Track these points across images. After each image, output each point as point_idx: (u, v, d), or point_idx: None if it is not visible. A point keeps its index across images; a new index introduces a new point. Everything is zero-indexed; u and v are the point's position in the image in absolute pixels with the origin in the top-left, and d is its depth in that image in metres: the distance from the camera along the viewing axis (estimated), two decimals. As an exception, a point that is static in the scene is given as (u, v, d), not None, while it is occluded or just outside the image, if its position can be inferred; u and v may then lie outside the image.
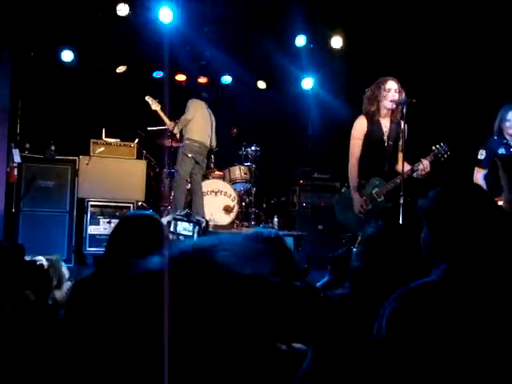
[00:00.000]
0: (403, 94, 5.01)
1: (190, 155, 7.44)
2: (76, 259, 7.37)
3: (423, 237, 1.93)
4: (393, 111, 5.08)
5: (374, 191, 5.08)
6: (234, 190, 8.20)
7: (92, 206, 7.51)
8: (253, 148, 8.71)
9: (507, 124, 5.16)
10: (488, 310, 1.70)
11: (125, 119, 8.38)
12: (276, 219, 8.50)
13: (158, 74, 9.09)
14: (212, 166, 8.48)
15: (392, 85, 5.01)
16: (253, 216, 8.43)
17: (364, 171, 5.09)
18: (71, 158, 7.52)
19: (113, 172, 7.68)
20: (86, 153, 7.65)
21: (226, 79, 9.58)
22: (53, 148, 7.41)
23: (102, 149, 7.74)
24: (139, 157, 7.99)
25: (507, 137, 5.18)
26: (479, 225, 1.80)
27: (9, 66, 6.45)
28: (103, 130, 7.93)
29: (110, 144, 7.84)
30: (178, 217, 6.61)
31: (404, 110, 4.90)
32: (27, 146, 7.45)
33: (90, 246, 7.40)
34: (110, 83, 8.80)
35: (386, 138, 5.09)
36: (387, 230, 2.41)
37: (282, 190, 9.13)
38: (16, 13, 6.48)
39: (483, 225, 1.81)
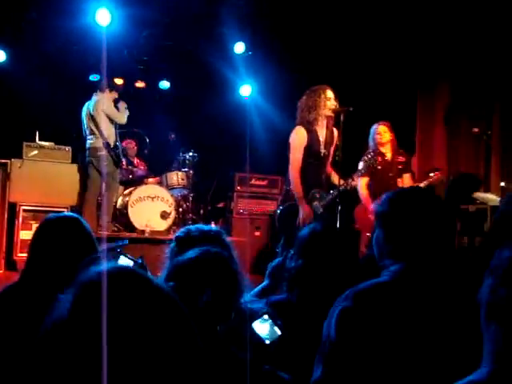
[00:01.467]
0: (337, 104, 5.09)
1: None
2: (6, 265, 7.14)
3: (375, 238, 1.98)
4: (327, 120, 5.12)
5: (314, 204, 5.09)
6: (171, 195, 8.15)
7: (24, 210, 7.30)
8: (190, 154, 8.68)
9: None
10: (439, 310, 1.76)
11: (59, 122, 8.19)
12: (213, 225, 8.49)
13: (93, 78, 8.94)
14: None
15: (331, 93, 5.06)
16: (190, 222, 8.38)
17: (304, 182, 5.08)
18: (3, 161, 7.27)
19: (46, 176, 7.48)
20: (19, 156, 7.43)
21: (165, 84, 9.53)
22: (-17, 150, 7.18)
23: (36, 152, 7.54)
24: (74, 161, 7.82)
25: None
26: (429, 225, 1.87)
27: None
28: (37, 132, 7.72)
29: (44, 147, 7.64)
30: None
31: (342, 119, 4.97)
32: (-44, 148, 7.20)
33: (21, 252, 7.17)
34: (44, 85, 8.59)
35: (322, 147, 5.13)
36: (320, 230, 2.46)
37: (220, 197, 9.14)
38: None
39: (433, 225, 1.87)
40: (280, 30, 8.06)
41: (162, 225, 7.95)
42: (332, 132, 5.17)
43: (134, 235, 7.51)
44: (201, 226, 2.61)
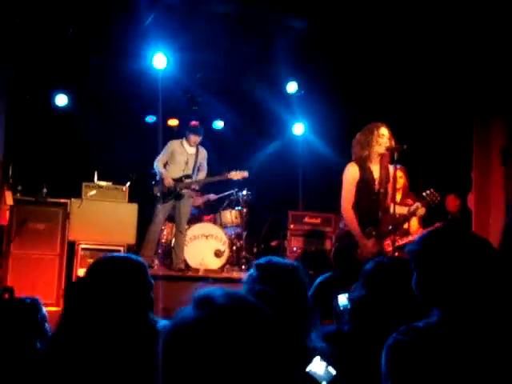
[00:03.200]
0: (393, 141, 5.06)
1: None
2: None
3: (413, 281, 1.94)
4: (382, 158, 5.09)
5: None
6: (225, 234, 8.21)
7: (82, 249, 7.48)
8: (244, 192, 8.76)
9: None
10: (485, 359, 1.71)
11: (117, 162, 8.43)
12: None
13: (149, 119, 9.20)
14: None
15: (385, 131, 5.05)
16: (243, 260, 8.42)
17: (358, 220, 5.01)
18: (63, 200, 7.53)
19: (104, 215, 7.67)
20: (78, 195, 7.66)
21: (218, 124, 9.70)
22: (45, 190, 7.42)
23: (94, 192, 7.76)
24: (131, 200, 7.99)
25: None
26: (469, 268, 1.79)
27: (3, 113, 6.51)
28: (95, 172, 7.96)
29: (102, 187, 7.85)
30: None
31: (396, 157, 4.95)
32: (19, 187, 7.47)
33: (79, 290, 7.32)
34: (103, 126, 8.88)
35: (377, 184, 5.10)
36: (387, 262, 2.45)
37: (273, 235, 9.15)
38: (13, 58, 6.57)
39: (473, 269, 1.79)
40: (332, 68, 8.12)
41: (215, 263, 8.00)
42: (387, 169, 5.13)
43: (189, 273, 7.57)
44: (282, 259, 2.63)
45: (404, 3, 6.34)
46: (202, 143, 7.85)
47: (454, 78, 7.17)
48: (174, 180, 7.53)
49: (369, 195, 5.06)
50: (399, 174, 5.81)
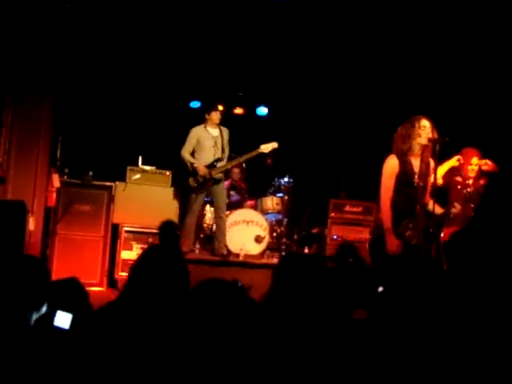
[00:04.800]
0: (435, 133, 4.99)
1: None
2: (108, 283, 7.50)
3: None
4: (423, 151, 5.03)
5: (407, 234, 5.00)
6: (266, 220, 8.26)
7: (126, 231, 7.66)
8: (285, 179, 8.77)
9: None
10: None
11: (162, 147, 8.55)
12: (306, 251, 8.54)
13: (195, 104, 9.28)
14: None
15: (426, 122, 4.97)
16: (283, 247, 8.47)
17: (396, 212, 4.97)
18: (108, 183, 7.71)
19: (147, 199, 7.82)
20: (123, 179, 7.82)
21: (262, 110, 9.72)
22: (91, 173, 7.60)
23: (138, 176, 7.91)
24: (174, 185, 8.09)
25: None
26: None
27: (51, 97, 6.68)
28: (140, 157, 8.09)
29: (146, 171, 8.00)
30: None
31: (437, 149, 4.89)
32: (66, 170, 7.66)
33: (122, 271, 7.52)
34: (148, 112, 9.02)
35: (417, 177, 5.01)
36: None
37: (314, 222, 9.15)
38: (61, 46, 6.72)
39: None
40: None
41: (256, 249, 8.06)
42: (428, 163, 5.08)
43: (230, 258, 7.66)
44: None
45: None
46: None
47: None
48: (207, 167, 7.49)
49: (408, 188, 5.01)
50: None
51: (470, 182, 6.20)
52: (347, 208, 8.61)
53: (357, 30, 7.74)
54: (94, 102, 8.71)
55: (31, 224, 6.07)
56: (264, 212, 8.52)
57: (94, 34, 7.62)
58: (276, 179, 8.85)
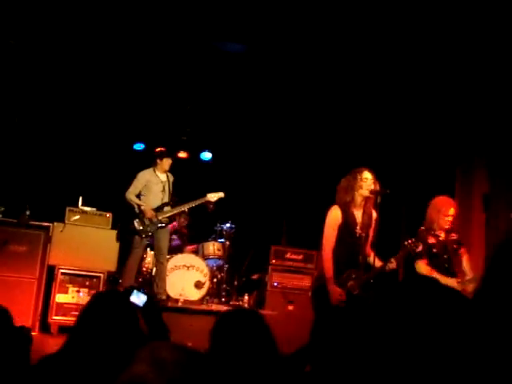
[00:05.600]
0: (377, 185, 5.11)
1: None
2: (41, 327, 7.23)
3: None
4: (366, 202, 5.14)
5: (349, 284, 5.06)
6: (207, 265, 8.20)
7: (62, 273, 7.43)
8: (228, 225, 8.77)
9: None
10: None
11: (103, 188, 8.43)
12: (246, 297, 8.50)
13: (139, 146, 9.23)
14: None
15: (368, 174, 5.10)
16: (223, 293, 8.40)
17: (338, 262, 5.05)
18: (45, 224, 7.49)
19: (86, 240, 7.63)
20: (61, 219, 7.63)
21: (206, 155, 9.75)
22: (28, 213, 7.38)
23: (78, 217, 7.73)
24: (114, 227, 7.96)
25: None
26: None
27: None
28: (80, 197, 7.93)
29: (86, 212, 7.83)
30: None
31: (378, 200, 5.01)
32: (2, 209, 7.42)
33: (56, 315, 7.27)
34: (90, 152, 8.91)
35: (359, 228, 5.12)
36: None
37: (255, 268, 9.14)
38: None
39: None
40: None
41: (195, 294, 7.98)
42: (370, 214, 5.19)
43: (169, 304, 7.54)
44: None
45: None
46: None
47: (436, 125, 7.30)
48: (154, 210, 7.51)
49: (350, 239, 5.10)
50: (452, 211, 5.40)
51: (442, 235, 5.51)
52: (288, 255, 8.62)
53: (295, 84, 7.92)
54: (33, 138, 8.54)
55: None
56: (205, 257, 8.46)
57: (36, 69, 7.53)
58: (218, 225, 8.84)
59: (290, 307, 8.31)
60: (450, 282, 5.15)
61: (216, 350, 2.27)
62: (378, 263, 5.10)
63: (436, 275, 5.16)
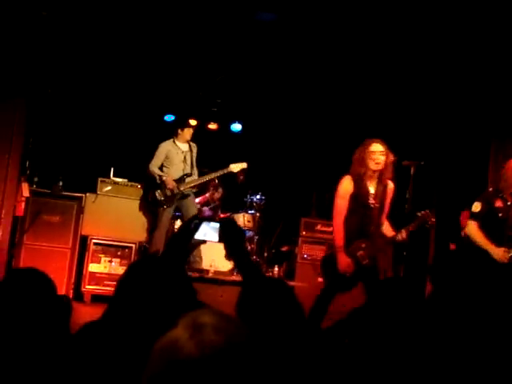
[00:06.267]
0: (391, 156, 5.05)
1: None
2: (74, 296, 7.35)
3: None
4: (381, 173, 5.09)
5: (359, 253, 5.06)
6: (237, 237, 8.20)
7: (94, 243, 7.52)
8: (258, 196, 8.76)
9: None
10: None
11: (134, 160, 8.47)
12: (277, 269, 8.52)
13: (169, 118, 9.22)
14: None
15: (377, 147, 5.04)
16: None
17: (349, 232, 5.07)
18: (78, 194, 7.58)
19: (118, 211, 7.71)
20: (93, 191, 7.70)
21: (236, 127, 9.71)
22: (60, 184, 7.47)
23: (109, 188, 7.80)
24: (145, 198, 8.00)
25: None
26: None
27: (24, 105, 6.54)
28: (111, 169, 7.99)
29: (118, 183, 7.89)
30: None
31: (411, 172, 4.95)
32: (36, 179, 7.52)
33: (89, 284, 7.39)
34: (121, 124, 8.94)
35: (372, 200, 5.09)
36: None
37: (285, 240, 9.14)
38: (33, 54, 6.62)
39: None
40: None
41: (226, 265, 8.01)
42: (386, 185, 5.14)
43: (197, 274, 7.60)
44: None
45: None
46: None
47: (475, 97, 7.15)
48: (175, 181, 7.53)
49: (363, 209, 5.07)
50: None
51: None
52: (318, 227, 8.60)
53: (329, 55, 7.80)
54: (66, 111, 8.59)
55: (-2, 233, 5.93)
56: (235, 228, 8.46)
57: (68, 42, 7.53)
58: (248, 196, 8.84)
59: (320, 279, 8.30)
60: (497, 251, 5.10)
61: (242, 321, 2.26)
62: (390, 233, 5.06)
63: (482, 241, 5.11)
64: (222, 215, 8.79)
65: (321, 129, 9.42)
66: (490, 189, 5.36)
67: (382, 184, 5.11)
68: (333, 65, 7.97)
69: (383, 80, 7.83)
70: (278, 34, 7.55)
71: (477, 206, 5.05)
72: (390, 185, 5.13)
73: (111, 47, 7.87)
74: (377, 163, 4.99)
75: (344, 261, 4.98)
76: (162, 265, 2.41)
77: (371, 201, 5.09)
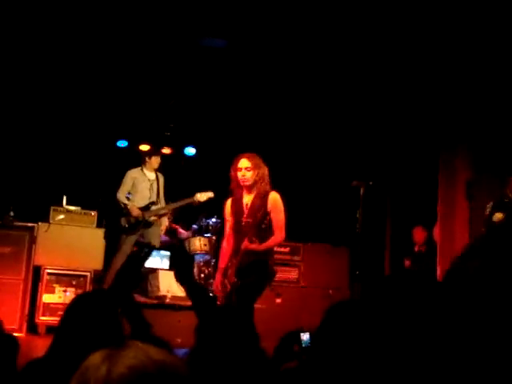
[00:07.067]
0: (260, 170, 4.99)
1: None
2: (28, 328, 7.19)
3: None
4: (254, 188, 5.01)
5: (228, 273, 5.04)
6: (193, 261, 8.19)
7: (48, 273, 7.39)
8: (213, 219, 8.77)
9: None
10: None
11: (87, 187, 8.40)
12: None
13: (121, 144, 9.19)
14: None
15: (243, 163, 5.01)
16: (211, 288, 8.39)
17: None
18: (30, 224, 7.45)
19: (71, 240, 7.60)
20: (46, 219, 7.59)
21: (190, 151, 9.73)
22: (12, 214, 7.34)
23: (62, 216, 7.69)
24: (99, 226, 7.94)
25: None
26: None
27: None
28: (64, 196, 7.89)
29: (71, 211, 7.80)
30: None
31: (361, 192, 5.03)
32: (-15, 210, 7.38)
33: (43, 315, 7.24)
34: (73, 150, 8.86)
35: (245, 216, 5.00)
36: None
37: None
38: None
39: None
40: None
41: (183, 290, 7.95)
42: (261, 198, 5.02)
43: (155, 301, 7.54)
44: None
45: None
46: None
47: (420, 113, 7.33)
48: (141, 209, 7.55)
49: (238, 227, 5.10)
50: None
51: None
52: (274, 248, 8.61)
53: (282, 78, 7.91)
54: (15, 137, 8.48)
55: None
56: (192, 253, 8.45)
57: (18, 68, 7.47)
58: (204, 219, 8.83)
59: (278, 300, 8.34)
60: None
61: (201, 347, 2.28)
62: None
63: None
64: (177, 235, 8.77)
65: (271, 151, 9.49)
66: None
67: (257, 197, 5.01)
68: (282, 87, 8.08)
69: (331, 104, 7.97)
70: (228, 58, 7.64)
71: None
72: (272, 195, 5.03)
73: (62, 72, 7.83)
74: (241, 180, 4.95)
75: (216, 281, 5.09)
76: (110, 296, 2.42)
77: (244, 218, 5.01)
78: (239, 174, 4.97)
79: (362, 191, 5.03)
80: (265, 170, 5.01)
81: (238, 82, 8.14)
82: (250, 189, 5.00)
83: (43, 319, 7.21)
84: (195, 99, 8.85)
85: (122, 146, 9.10)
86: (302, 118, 8.66)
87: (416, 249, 8.35)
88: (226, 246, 5.09)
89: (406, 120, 7.59)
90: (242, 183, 4.97)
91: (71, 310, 2.36)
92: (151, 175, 7.79)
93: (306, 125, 8.77)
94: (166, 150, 9.46)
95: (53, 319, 7.13)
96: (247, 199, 5.04)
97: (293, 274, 8.47)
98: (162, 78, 8.16)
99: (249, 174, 4.94)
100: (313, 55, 7.17)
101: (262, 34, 6.86)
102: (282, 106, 8.55)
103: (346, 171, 5.17)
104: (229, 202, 5.16)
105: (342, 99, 7.82)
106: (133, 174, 7.70)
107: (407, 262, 8.33)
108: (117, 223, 7.58)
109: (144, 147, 8.60)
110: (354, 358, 2.16)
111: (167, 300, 7.68)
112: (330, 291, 7.89)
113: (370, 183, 4.98)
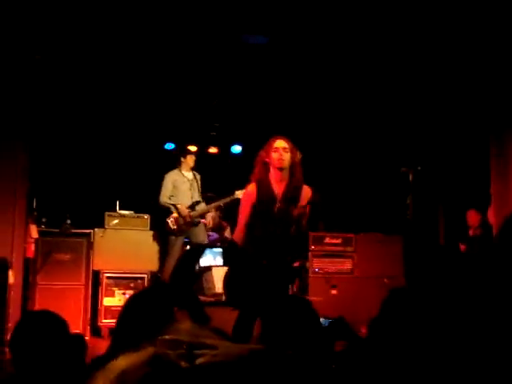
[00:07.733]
0: (296, 155, 4.66)
1: None
2: (92, 331, 7.40)
3: None
4: (289, 173, 4.65)
5: None
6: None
7: (107, 277, 7.60)
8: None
9: None
10: None
11: (138, 191, 8.57)
12: (289, 285, 8.54)
13: (169, 146, 9.33)
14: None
15: (281, 143, 4.64)
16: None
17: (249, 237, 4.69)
18: (86, 231, 7.66)
19: (127, 243, 7.79)
20: (101, 225, 7.79)
21: (236, 149, 9.80)
22: (68, 222, 7.56)
23: (117, 221, 7.89)
24: (153, 228, 8.09)
25: None
26: None
27: (25, 147, 6.62)
28: (117, 202, 8.09)
29: (124, 216, 7.98)
30: None
31: (410, 178, 4.99)
32: (44, 220, 7.61)
33: (105, 318, 7.44)
34: (122, 156, 9.05)
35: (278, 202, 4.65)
36: None
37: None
38: (31, 96, 6.71)
39: None
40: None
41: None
42: (296, 185, 4.71)
43: (212, 299, 7.64)
44: None
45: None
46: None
47: (468, 95, 7.20)
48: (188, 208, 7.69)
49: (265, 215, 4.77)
50: None
51: None
52: (327, 240, 8.62)
53: (322, 71, 7.89)
54: (67, 148, 8.71)
55: (11, 277, 5.99)
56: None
57: (65, 80, 7.66)
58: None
59: (334, 291, 8.33)
60: None
61: (266, 337, 2.32)
62: None
63: None
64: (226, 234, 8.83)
65: (318, 144, 9.48)
66: None
67: (292, 184, 4.68)
68: (326, 80, 8.06)
69: (376, 92, 7.90)
70: (271, 54, 7.67)
71: None
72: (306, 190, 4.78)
73: (108, 81, 8.00)
74: (278, 160, 4.55)
75: None
76: (170, 291, 2.49)
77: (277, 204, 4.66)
78: (275, 155, 4.52)
79: (411, 177, 4.98)
80: (300, 157, 4.66)
81: (282, 77, 8.15)
82: (281, 175, 4.61)
83: (105, 322, 7.41)
84: (239, 97, 8.91)
85: (170, 148, 9.23)
86: (348, 108, 8.63)
87: (471, 233, 8.22)
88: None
89: (454, 99, 7.46)
90: (278, 165, 4.53)
91: (126, 310, 2.44)
92: (189, 175, 7.88)
93: (353, 115, 8.73)
94: (213, 150, 9.56)
95: (114, 322, 7.30)
96: (277, 186, 4.64)
97: (347, 265, 8.44)
98: (205, 78, 8.24)
99: (287, 156, 4.54)
100: (356, 45, 7.12)
101: (303, 29, 6.86)
102: (327, 98, 8.53)
103: (393, 158, 5.11)
104: (252, 190, 4.66)
105: (389, 86, 7.74)
106: (172, 176, 7.82)
107: (462, 247, 8.21)
108: (164, 226, 7.68)
109: (191, 148, 8.71)
110: (415, 346, 2.16)
111: (224, 297, 7.75)
112: (385, 280, 7.81)
113: (419, 168, 4.93)
